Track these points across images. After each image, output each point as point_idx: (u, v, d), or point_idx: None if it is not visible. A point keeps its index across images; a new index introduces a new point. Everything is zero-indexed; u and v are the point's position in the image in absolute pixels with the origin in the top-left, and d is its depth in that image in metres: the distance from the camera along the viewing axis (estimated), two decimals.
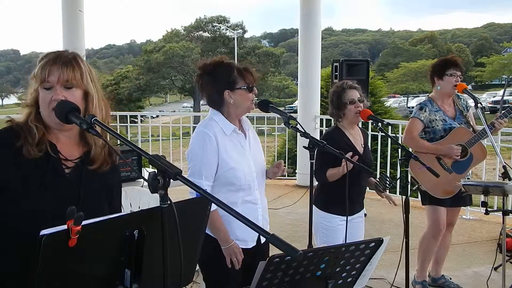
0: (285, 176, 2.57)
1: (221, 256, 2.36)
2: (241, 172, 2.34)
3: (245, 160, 2.39)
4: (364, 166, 2.64)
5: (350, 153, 2.72)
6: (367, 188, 3.17)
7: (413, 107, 3.73)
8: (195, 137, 2.36)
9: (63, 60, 1.58)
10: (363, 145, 3.07)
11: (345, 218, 2.66)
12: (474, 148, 3.48)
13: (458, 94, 3.68)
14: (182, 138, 8.14)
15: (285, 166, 2.48)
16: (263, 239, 2.44)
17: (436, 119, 3.52)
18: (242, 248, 2.39)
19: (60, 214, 1.23)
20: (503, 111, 3.51)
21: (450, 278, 3.84)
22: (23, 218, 1.53)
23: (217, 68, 2.34)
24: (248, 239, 2.40)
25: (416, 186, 3.57)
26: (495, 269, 3.81)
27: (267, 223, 2.57)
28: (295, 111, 9.04)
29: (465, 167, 3.51)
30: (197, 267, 2.66)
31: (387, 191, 3.03)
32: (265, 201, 2.56)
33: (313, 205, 3.01)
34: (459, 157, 3.45)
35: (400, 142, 3.24)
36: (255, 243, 2.43)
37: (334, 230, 2.95)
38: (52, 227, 1.18)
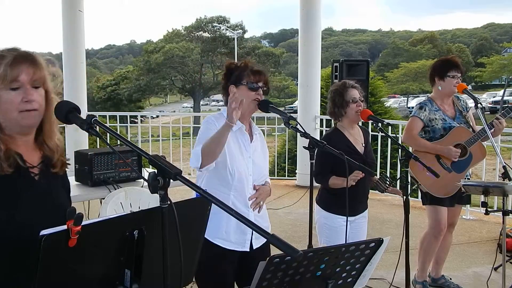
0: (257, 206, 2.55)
1: (212, 260, 2.34)
2: (235, 168, 2.35)
3: (244, 161, 2.40)
4: (366, 167, 2.65)
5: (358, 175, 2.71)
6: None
7: (413, 107, 3.74)
8: (204, 121, 2.44)
9: (31, 59, 1.52)
10: (363, 144, 3.06)
11: (349, 218, 2.68)
12: (474, 148, 3.49)
13: (458, 95, 3.69)
14: (182, 138, 8.15)
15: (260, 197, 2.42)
16: (255, 245, 2.43)
17: (436, 118, 3.53)
18: (233, 250, 2.38)
19: (39, 221, 1.22)
20: (502, 111, 3.52)
21: (450, 278, 3.84)
22: (2, 228, 1.47)
23: (236, 67, 2.42)
24: (233, 240, 2.38)
25: (416, 185, 3.57)
26: (495, 269, 3.81)
27: (266, 229, 2.54)
28: (295, 111, 9.04)
29: (465, 167, 3.52)
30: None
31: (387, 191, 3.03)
32: (262, 208, 2.51)
33: (317, 205, 3.02)
34: (457, 159, 3.46)
35: (400, 142, 3.24)
36: (246, 249, 2.41)
37: (338, 230, 2.94)
38: (33, 233, 1.17)
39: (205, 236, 2.31)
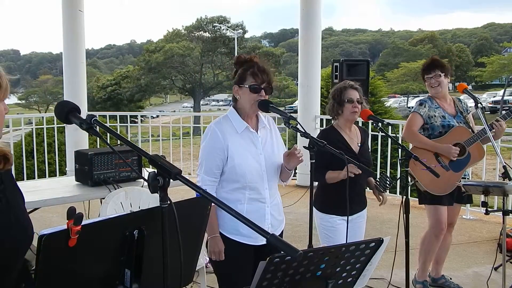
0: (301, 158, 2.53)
1: (232, 253, 2.38)
2: (246, 169, 2.36)
3: (255, 158, 2.40)
4: (365, 166, 2.65)
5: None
6: (367, 188, 3.17)
7: (413, 107, 3.75)
8: (205, 133, 2.45)
9: None
10: (359, 144, 3.07)
11: (344, 218, 2.67)
12: (472, 148, 3.50)
13: (459, 97, 3.72)
14: (182, 138, 8.14)
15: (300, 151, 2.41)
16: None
17: (435, 116, 3.54)
18: (249, 245, 2.40)
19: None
20: (503, 113, 3.52)
21: (450, 278, 3.83)
22: None
23: (243, 63, 2.43)
24: (253, 235, 2.38)
25: (412, 182, 3.56)
26: (495, 269, 3.81)
27: (280, 222, 2.55)
28: (295, 111, 9.04)
29: (463, 166, 3.53)
30: (197, 267, 2.66)
31: (388, 191, 3.03)
32: (277, 201, 2.53)
33: (313, 207, 3.02)
34: (455, 158, 3.47)
35: (400, 142, 3.24)
36: (264, 242, 2.42)
37: (335, 230, 2.96)
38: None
39: (222, 231, 2.38)
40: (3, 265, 1.40)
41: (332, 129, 3.08)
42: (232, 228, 2.39)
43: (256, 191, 2.40)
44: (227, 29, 45.72)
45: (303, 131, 2.43)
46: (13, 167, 1.58)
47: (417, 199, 3.72)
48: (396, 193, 6.39)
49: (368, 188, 3.15)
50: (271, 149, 2.49)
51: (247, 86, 2.37)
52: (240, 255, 2.40)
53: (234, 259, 2.39)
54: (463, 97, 4.07)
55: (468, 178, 3.63)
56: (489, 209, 2.99)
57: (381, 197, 3.02)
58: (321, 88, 7.65)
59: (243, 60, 2.44)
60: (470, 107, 3.68)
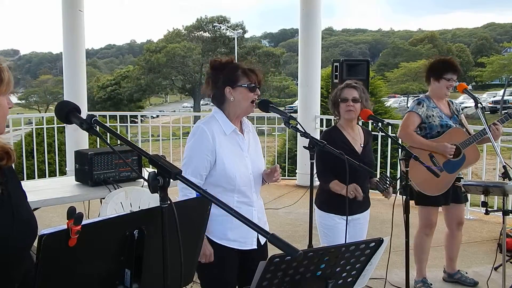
0: (278, 180, 2.53)
1: (218, 257, 2.35)
2: (236, 172, 2.33)
3: (242, 161, 2.38)
4: (365, 166, 2.64)
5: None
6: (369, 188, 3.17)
7: (409, 106, 3.74)
8: (193, 132, 2.37)
9: None
10: (362, 145, 3.07)
11: (344, 217, 2.67)
12: (468, 150, 3.52)
13: (452, 100, 3.73)
14: (182, 138, 8.13)
15: (279, 174, 2.43)
16: (262, 241, 2.43)
17: (433, 115, 3.55)
18: (236, 249, 2.38)
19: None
20: (500, 117, 3.52)
21: (466, 273, 3.86)
22: None
23: (224, 66, 2.37)
24: (241, 239, 2.38)
25: (405, 182, 3.56)
26: (495, 269, 3.81)
27: (264, 223, 2.55)
28: (295, 111, 9.04)
29: (457, 167, 3.54)
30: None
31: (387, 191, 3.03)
32: (261, 203, 2.54)
33: (314, 205, 3.02)
34: (452, 156, 3.47)
35: (400, 142, 3.24)
36: (254, 246, 2.42)
37: (335, 229, 2.96)
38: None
39: (210, 236, 2.32)
40: (5, 260, 1.40)
41: (335, 129, 3.08)
42: (220, 233, 2.34)
43: (244, 194, 2.38)
44: (227, 29, 45.71)
45: (303, 131, 2.43)
46: (13, 167, 1.58)
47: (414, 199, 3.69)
48: (396, 193, 6.39)
49: (369, 188, 3.16)
50: (255, 153, 2.47)
51: (245, 85, 2.32)
52: (226, 259, 2.37)
53: (219, 263, 2.36)
54: (462, 97, 4.09)
55: (462, 178, 3.64)
56: (489, 209, 2.99)
57: (387, 193, 3.03)
58: (321, 88, 7.64)
59: (220, 64, 2.38)
60: (467, 107, 3.69)
